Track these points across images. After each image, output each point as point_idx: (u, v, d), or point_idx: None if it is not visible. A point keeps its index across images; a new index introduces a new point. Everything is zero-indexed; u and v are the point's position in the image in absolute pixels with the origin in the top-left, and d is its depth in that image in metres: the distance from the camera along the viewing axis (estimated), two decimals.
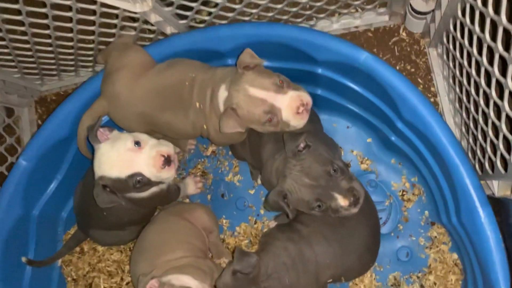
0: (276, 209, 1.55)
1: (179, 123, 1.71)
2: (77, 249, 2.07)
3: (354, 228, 1.60)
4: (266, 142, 1.65)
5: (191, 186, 2.03)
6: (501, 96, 1.22)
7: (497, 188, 1.41)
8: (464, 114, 1.66)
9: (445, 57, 1.76)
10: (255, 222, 2.00)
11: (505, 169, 1.32)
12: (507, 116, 1.22)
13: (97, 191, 1.54)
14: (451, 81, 1.74)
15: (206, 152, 2.11)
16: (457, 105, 1.73)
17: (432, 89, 1.91)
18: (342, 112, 1.91)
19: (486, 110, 1.37)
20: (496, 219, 1.39)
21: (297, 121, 1.51)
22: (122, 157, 1.51)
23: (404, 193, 1.87)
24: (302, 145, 1.48)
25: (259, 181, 2.01)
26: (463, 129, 1.72)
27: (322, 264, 1.57)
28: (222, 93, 1.58)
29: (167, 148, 1.57)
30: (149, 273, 1.58)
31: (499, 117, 1.28)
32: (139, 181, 1.53)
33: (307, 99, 1.51)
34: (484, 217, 1.40)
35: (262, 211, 2.02)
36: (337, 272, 1.61)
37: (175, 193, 1.87)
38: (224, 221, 2.04)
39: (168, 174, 1.57)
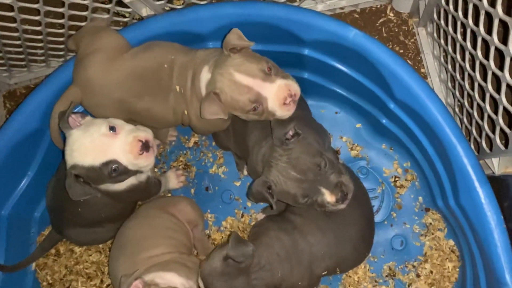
0: (259, 199, 1.45)
1: (159, 109, 1.60)
2: (53, 251, 1.94)
3: (348, 217, 1.53)
4: (251, 129, 1.56)
5: (173, 180, 1.92)
6: (501, 67, 1.15)
7: (497, 165, 1.35)
8: (457, 93, 1.59)
9: (435, 35, 1.70)
10: (242, 216, 1.90)
11: (506, 145, 1.25)
12: (508, 86, 1.15)
13: (70, 181, 1.41)
14: (442, 60, 1.68)
15: (188, 144, 2.01)
16: (449, 84, 1.66)
17: (422, 70, 1.84)
18: (330, 97, 1.83)
19: (483, 84, 1.30)
20: (496, 199, 1.32)
21: (283, 112, 1.41)
22: (96, 143, 1.39)
23: (397, 179, 1.80)
24: (291, 132, 1.38)
25: (245, 172, 1.91)
26: (457, 110, 1.66)
27: (317, 255, 1.49)
28: (205, 75, 1.47)
29: (145, 133, 1.46)
30: (132, 273, 1.46)
31: (498, 90, 1.21)
32: (114, 170, 1.41)
33: (296, 89, 1.41)
34: (484, 197, 1.33)
35: (249, 204, 1.92)
36: (332, 264, 1.53)
37: (155, 186, 1.76)
38: (209, 215, 1.93)
39: (147, 162, 1.45)
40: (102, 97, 1.57)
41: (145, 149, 1.43)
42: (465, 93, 1.49)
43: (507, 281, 1.29)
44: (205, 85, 1.47)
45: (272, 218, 1.63)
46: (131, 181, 1.57)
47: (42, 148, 1.80)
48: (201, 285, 1.43)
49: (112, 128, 1.41)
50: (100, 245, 1.93)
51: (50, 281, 1.92)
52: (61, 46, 1.98)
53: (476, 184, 1.33)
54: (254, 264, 1.41)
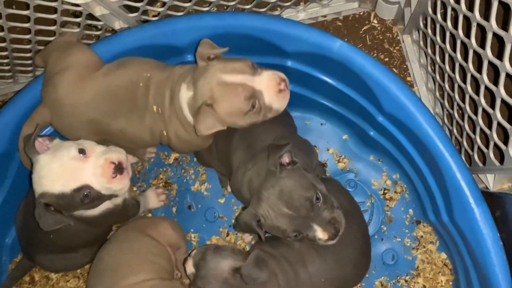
0: (247, 231, 1.38)
1: (135, 130, 1.51)
2: (27, 278, 1.82)
3: (346, 237, 1.45)
4: (236, 148, 1.47)
5: (153, 199, 1.82)
6: (495, 82, 1.10)
7: (493, 182, 1.29)
8: (446, 103, 1.54)
9: (421, 43, 1.65)
10: (227, 234, 1.82)
11: (501, 161, 1.20)
12: (502, 101, 1.10)
13: (39, 211, 1.31)
14: (429, 68, 1.62)
15: (168, 160, 1.92)
16: (437, 94, 1.61)
17: (409, 78, 1.79)
18: (315, 109, 1.76)
19: (475, 97, 1.25)
20: (492, 215, 1.27)
21: (280, 102, 1.35)
22: (65, 168, 1.29)
23: (386, 191, 1.75)
24: (287, 159, 1.31)
25: (229, 189, 1.83)
26: (446, 120, 1.61)
27: (318, 283, 1.42)
28: (185, 93, 1.39)
29: (118, 154, 1.36)
30: None
31: (492, 105, 1.15)
32: (87, 195, 1.31)
33: (283, 75, 1.36)
34: (479, 214, 1.27)
35: (233, 221, 1.84)
36: None
37: (133, 208, 1.66)
38: (192, 235, 1.85)
39: (121, 185, 1.36)
40: (73, 118, 1.47)
41: (118, 172, 1.33)
42: (455, 104, 1.44)
43: None
44: (186, 103, 1.39)
45: (270, 243, 1.52)
46: (106, 205, 1.47)
47: (12, 171, 1.69)
48: (189, 270, 1.37)
49: (82, 151, 1.31)
50: (78, 271, 1.82)
51: None
52: (29, 62, 1.86)
53: (472, 201, 1.28)
54: None
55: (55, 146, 1.35)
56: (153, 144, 1.63)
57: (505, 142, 1.14)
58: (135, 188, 1.92)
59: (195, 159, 1.88)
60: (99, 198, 1.34)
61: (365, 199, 1.75)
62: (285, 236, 1.30)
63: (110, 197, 1.38)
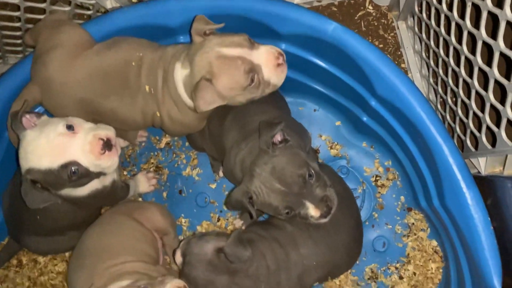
0: (238, 209, 1.37)
1: (126, 110, 1.49)
2: (14, 262, 1.80)
3: (339, 222, 1.46)
4: (229, 129, 1.46)
5: (144, 184, 1.80)
6: (489, 63, 1.09)
7: (484, 165, 1.29)
8: (440, 89, 1.54)
9: (416, 29, 1.64)
10: (218, 220, 1.81)
11: (493, 144, 1.19)
12: (495, 82, 1.09)
13: (26, 188, 1.28)
14: (424, 54, 1.62)
15: (159, 145, 1.89)
16: (431, 80, 1.61)
17: (403, 65, 1.78)
18: (308, 94, 1.75)
19: (469, 80, 1.24)
20: (483, 200, 1.27)
21: (278, 76, 1.34)
22: (53, 144, 1.26)
23: (378, 178, 1.74)
24: (279, 137, 1.29)
25: (220, 174, 1.82)
26: (439, 106, 1.60)
27: (309, 266, 1.42)
28: (180, 72, 1.37)
29: (106, 131, 1.33)
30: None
31: (485, 87, 1.15)
32: (74, 172, 1.28)
33: (279, 49, 1.35)
34: (471, 199, 1.27)
35: (225, 207, 1.82)
36: (324, 273, 1.47)
37: (122, 190, 1.64)
38: (183, 220, 1.83)
39: (109, 162, 1.32)
40: (63, 97, 1.45)
41: (107, 148, 1.30)
42: (448, 89, 1.43)
43: (495, 285, 1.24)
44: (182, 82, 1.37)
45: (262, 225, 1.53)
46: (94, 185, 1.45)
47: None
48: (178, 260, 1.36)
49: (70, 127, 1.29)
50: (66, 254, 1.80)
51: None
52: (19, 41, 1.82)
53: (463, 185, 1.27)
54: (242, 270, 1.34)
55: (43, 122, 1.32)
56: (144, 126, 1.61)
57: (497, 125, 1.14)
58: (125, 172, 1.90)
59: (186, 144, 1.87)
60: (87, 175, 1.31)
61: (356, 185, 1.75)
62: (277, 213, 1.29)
63: (98, 175, 1.35)
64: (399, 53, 1.79)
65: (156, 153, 1.89)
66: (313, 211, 1.24)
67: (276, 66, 1.31)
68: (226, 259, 1.32)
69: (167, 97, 1.44)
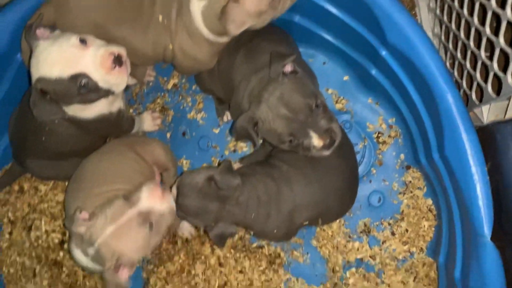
0: (243, 136, 1.38)
1: (137, 41, 1.50)
2: (16, 187, 1.84)
3: (335, 167, 1.48)
4: (239, 65, 1.47)
5: (148, 122, 1.83)
6: (502, 5, 1.10)
7: (487, 114, 1.30)
8: (450, 46, 1.54)
9: None
10: (219, 164, 1.83)
11: (498, 92, 1.20)
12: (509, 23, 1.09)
13: (35, 98, 1.30)
14: (438, 11, 1.61)
15: (166, 86, 1.91)
16: (442, 37, 1.61)
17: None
18: (319, 45, 1.75)
19: (480, 28, 1.24)
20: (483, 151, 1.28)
21: None
22: (65, 54, 1.27)
23: (380, 135, 1.75)
24: (289, 68, 1.30)
25: (225, 119, 1.83)
26: (448, 65, 1.61)
27: (300, 204, 1.44)
28: (196, 4, 1.38)
29: (118, 48, 1.35)
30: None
31: (496, 32, 1.15)
32: (84, 85, 1.30)
33: None
34: (469, 146, 1.28)
35: (226, 152, 1.85)
36: (315, 214, 1.48)
37: (127, 122, 1.66)
38: (184, 161, 1.86)
39: (119, 78, 1.34)
40: (77, 19, 1.46)
41: (117, 63, 1.32)
42: (459, 43, 1.43)
43: (485, 232, 1.26)
44: (200, 14, 1.38)
45: (258, 163, 1.57)
46: (101, 109, 1.47)
47: (9, 76, 1.68)
48: (174, 193, 1.40)
49: (82, 41, 1.30)
50: (67, 184, 1.83)
51: (12, 218, 1.82)
52: None
53: (463, 132, 1.28)
54: (233, 198, 1.38)
55: (56, 35, 1.34)
56: (154, 60, 1.62)
57: (504, 71, 1.14)
58: (131, 110, 1.92)
59: (193, 87, 1.88)
60: (96, 90, 1.33)
61: (358, 141, 1.76)
62: (280, 141, 1.30)
63: (107, 93, 1.37)
64: (413, 12, 1.79)
65: (162, 94, 1.91)
66: (316, 141, 1.26)
67: None
68: (216, 186, 1.36)
69: (180, 28, 1.45)
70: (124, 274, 1.30)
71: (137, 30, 1.48)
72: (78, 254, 1.34)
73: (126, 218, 1.27)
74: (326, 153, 1.29)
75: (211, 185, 1.37)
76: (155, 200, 1.31)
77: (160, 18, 1.45)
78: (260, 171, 1.47)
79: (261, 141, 1.43)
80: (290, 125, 1.26)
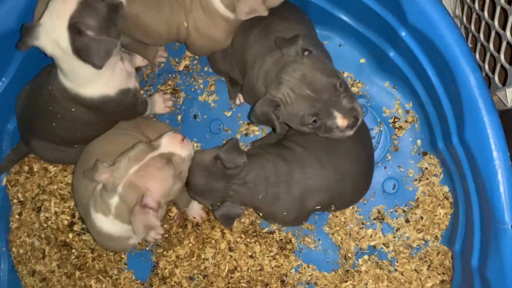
0: (263, 121, 1.34)
1: (150, 18, 1.47)
2: (26, 168, 1.82)
3: (350, 152, 1.45)
4: (253, 42, 1.43)
5: (160, 104, 1.79)
6: None
7: (511, 96, 1.25)
8: (473, 27, 1.49)
9: None
10: None
11: None
12: None
13: (84, 40, 1.26)
14: None
15: (178, 67, 1.88)
16: (464, 20, 1.55)
17: None
18: (335, 27, 1.70)
19: (506, 6, 1.19)
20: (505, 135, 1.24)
21: None
22: None
23: (396, 120, 1.71)
24: (301, 47, 1.26)
25: (237, 102, 1.80)
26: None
27: (312, 188, 1.42)
28: None
29: None
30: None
31: None
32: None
33: None
34: (491, 130, 1.24)
35: (238, 136, 1.82)
36: (327, 199, 1.45)
37: (142, 105, 1.62)
38: (195, 144, 1.84)
39: None
40: None
41: None
42: (482, 24, 1.38)
43: (506, 219, 1.22)
44: None
45: (273, 144, 1.55)
46: (120, 84, 1.45)
47: (19, 54, 1.65)
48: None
49: None
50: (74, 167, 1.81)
51: (21, 199, 1.81)
52: None
53: (484, 115, 1.24)
54: (239, 177, 1.36)
55: None
56: (167, 39, 1.59)
57: None
58: (142, 92, 1.88)
59: (205, 68, 1.85)
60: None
61: (373, 125, 1.72)
62: (303, 123, 1.27)
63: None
64: None
65: (174, 76, 1.88)
66: (340, 120, 1.23)
67: None
68: (222, 165, 1.35)
69: (196, 5, 1.42)
70: (151, 216, 1.29)
71: (151, 7, 1.45)
72: (99, 219, 1.37)
73: (149, 157, 1.31)
74: (350, 133, 1.26)
75: (217, 164, 1.36)
76: (176, 146, 1.36)
77: None
78: (271, 152, 1.44)
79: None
80: (314, 105, 1.23)
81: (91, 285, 1.72)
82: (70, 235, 1.76)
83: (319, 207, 1.46)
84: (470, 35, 1.54)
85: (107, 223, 1.37)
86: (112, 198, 1.32)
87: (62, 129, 1.54)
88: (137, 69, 1.83)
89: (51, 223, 1.78)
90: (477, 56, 1.47)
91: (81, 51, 1.27)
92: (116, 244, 1.49)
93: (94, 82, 1.39)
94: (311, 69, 1.23)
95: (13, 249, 1.79)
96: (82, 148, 1.62)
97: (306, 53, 1.25)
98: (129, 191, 1.29)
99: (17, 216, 1.80)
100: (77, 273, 1.74)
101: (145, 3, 1.44)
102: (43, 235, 1.78)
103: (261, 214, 1.50)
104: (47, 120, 1.52)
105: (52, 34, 1.29)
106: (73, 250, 1.76)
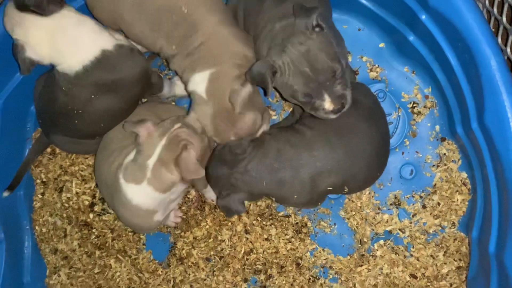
0: (258, 81, 1.34)
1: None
2: (48, 150, 1.86)
3: (363, 134, 1.44)
4: (267, 8, 1.41)
5: (180, 87, 1.79)
6: None
7: None
8: (495, 10, 1.46)
9: None
10: None
11: None
12: None
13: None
14: None
15: None
16: (487, 2, 1.52)
17: None
18: (354, 11, 1.69)
19: None
20: None
21: None
22: None
23: (415, 105, 1.69)
24: (314, 22, 1.26)
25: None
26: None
27: (323, 169, 1.42)
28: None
29: None
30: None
31: None
32: None
33: None
34: (511, 113, 1.22)
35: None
36: (339, 180, 1.45)
37: (155, 76, 1.63)
38: None
39: None
40: None
41: None
42: (505, 6, 1.35)
43: None
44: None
45: (283, 128, 1.55)
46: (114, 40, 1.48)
47: None
48: None
49: None
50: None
51: (44, 179, 1.86)
52: None
53: (506, 99, 1.23)
54: (241, 165, 1.39)
55: None
56: None
57: None
58: (162, 75, 1.90)
59: None
60: None
61: (392, 111, 1.70)
62: (293, 96, 1.30)
63: None
64: None
65: None
66: (328, 104, 1.27)
67: None
68: (230, 152, 1.40)
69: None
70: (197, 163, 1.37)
71: None
72: (130, 189, 1.41)
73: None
74: (333, 117, 1.30)
75: (225, 149, 1.39)
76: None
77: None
78: (278, 138, 1.45)
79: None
80: (309, 85, 1.25)
81: (110, 264, 1.77)
82: (91, 215, 1.81)
83: (331, 188, 1.46)
84: (492, 18, 1.51)
85: (138, 193, 1.41)
86: (150, 158, 1.37)
87: (84, 124, 1.56)
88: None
89: (73, 203, 1.82)
90: (499, 39, 1.44)
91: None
92: (141, 220, 1.51)
93: (85, 43, 1.43)
94: (317, 47, 1.24)
95: (36, 227, 1.84)
96: (101, 140, 1.66)
97: (317, 29, 1.25)
98: (172, 144, 1.37)
99: (40, 196, 1.86)
100: (97, 252, 1.78)
101: None
102: (64, 215, 1.83)
103: (273, 199, 1.51)
104: (68, 119, 1.54)
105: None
106: (94, 230, 1.80)
